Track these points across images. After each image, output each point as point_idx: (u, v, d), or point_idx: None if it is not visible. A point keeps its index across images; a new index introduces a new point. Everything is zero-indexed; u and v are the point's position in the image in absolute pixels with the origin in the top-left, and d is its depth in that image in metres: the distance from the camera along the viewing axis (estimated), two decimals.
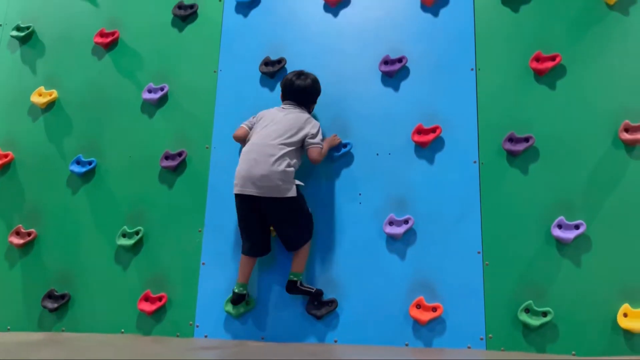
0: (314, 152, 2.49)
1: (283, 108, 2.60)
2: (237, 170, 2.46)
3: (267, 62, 2.83)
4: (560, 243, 2.38)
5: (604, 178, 2.42)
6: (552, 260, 2.38)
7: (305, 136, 2.49)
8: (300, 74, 2.62)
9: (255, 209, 2.44)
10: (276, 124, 2.50)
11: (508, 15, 2.71)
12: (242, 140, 2.61)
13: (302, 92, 2.60)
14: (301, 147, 2.51)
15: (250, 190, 2.39)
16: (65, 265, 2.76)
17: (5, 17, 3.21)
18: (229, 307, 2.52)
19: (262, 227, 2.50)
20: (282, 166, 2.39)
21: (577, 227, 2.35)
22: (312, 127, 2.52)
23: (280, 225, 2.49)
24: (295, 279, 2.46)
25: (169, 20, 3.02)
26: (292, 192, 2.42)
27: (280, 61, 2.84)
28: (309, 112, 2.65)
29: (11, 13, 3.22)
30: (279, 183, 2.38)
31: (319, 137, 2.53)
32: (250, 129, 2.60)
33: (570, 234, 2.33)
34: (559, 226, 2.37)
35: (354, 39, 2.81)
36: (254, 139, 2.50)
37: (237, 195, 2.46)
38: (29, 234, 2.80)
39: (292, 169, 2.44)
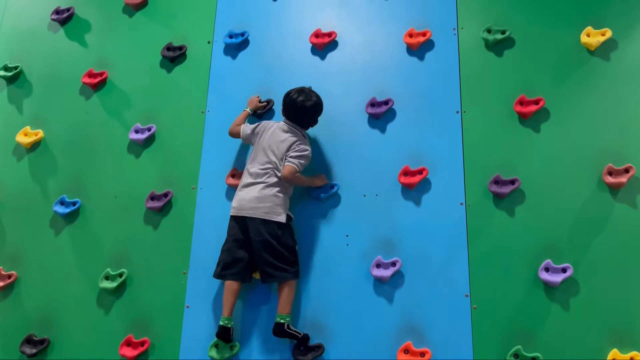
0: (286, 169, 2.50)
1: (282, 131, 2.59)
2: (236, 193, 2.56)
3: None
4: (548, 286, 2.36)
5: (590, 221, 2.43)
6: (541, 303, 2.36)
7: (287, 156, 2.53)
8: (301, 91, 2.61)
9: (246, 232, 2.48)
10: (272, 149, 2.54)
11: (492, 59, 2.76)
12: (235, 136, 2.70)
13: (304, 113, 2.60)
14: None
15: (244, 212, 2.47)
16: (46, 309, 2.69)
17: None
18: (213, 352, 2.46)
19: (249, 252, 2.50)
20: (274, 191, 2.46)
21: (564, 270, 2.34)
22: (296, 150, 2.53)
23: (261, 251, 2.45)
24: (282, 321, 2.41)
25: (157, 61, 3.04)
26: (281, 218, 2.44)
27: (268, 102, 2.86)
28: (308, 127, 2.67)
29: None
30: (268, 205, 2.44)
31: (299, 160, 2.52)
32: (248, 135, 2.64)
33: (557, 278, 2.32)
34: (546, 269, 2.36)
35: (340, 82, 2.84)
36: (250, 164, 2.56)
37: (231, 217, 2.52)
38: (9, 276, 2.74)
39: (283, 195, 2.49)
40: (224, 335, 2.42)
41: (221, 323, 2.42)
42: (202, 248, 2.66)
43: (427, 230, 2.54)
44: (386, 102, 2.74)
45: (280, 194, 2.49)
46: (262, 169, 2.51)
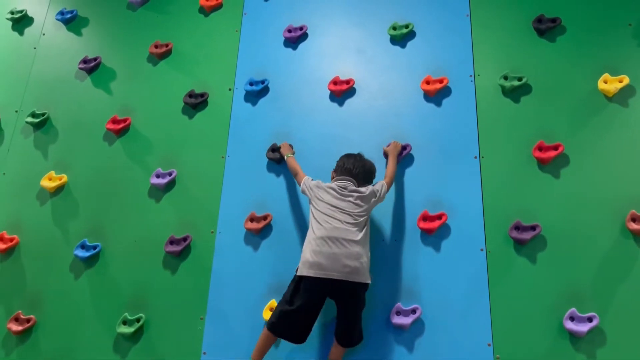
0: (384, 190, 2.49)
1: (343, 187, 2.44)
2: (312, 249, 2.30)
3: (274, 149, 2.88)
4: (573, 336, 2.30)
5: (615, 268, 2.38)
6: (567, 354, 2.28)
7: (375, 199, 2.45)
8: (351, 155, 2.57)
9: (323, 294, 2.31)
10: (343, 209, 2.37)
11: (509, 105, 2.78)
12: (294, 174, 2.64)
13: (360, 169, 2.53)
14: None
15: (336, 275, 2.24)
16: (63, 354, 2.67)
17: (21, 103, 3.33)
18: None
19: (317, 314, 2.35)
20: (364, 250, 2.33)
21: (590, 319, 2.28)
22: (376, 190, 2.46)
23: (349, 313, 2.33)
24: None
25: (179, 107, 3.12)
26: (369, 279, 2.33)
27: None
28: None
29: (28, 99, 3.34)
30: (362, 266, 2.29)
31: (383, 188, 2.48)
32: (307, 190, 2.49)
33: (583, 327, 2.26)
34: (571, 318, 2.30)
35: (358, 127, 2.87)
36: (325, 228, 2.32)
37: (307, 278, 2.28)
38: (28, 321, 2.75)
39: (367, 255, 2.36)
40: None
41: None
42: (220, 293, 2.65)
43: (447, 277, 2.51)
44: (404, 148, 2.76)
45: (366, 253, 2.34)
46: (347, 227, 2.32)
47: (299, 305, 2.27)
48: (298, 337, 2.30)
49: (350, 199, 2.40)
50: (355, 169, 2.51)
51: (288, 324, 2.29)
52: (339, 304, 2.34)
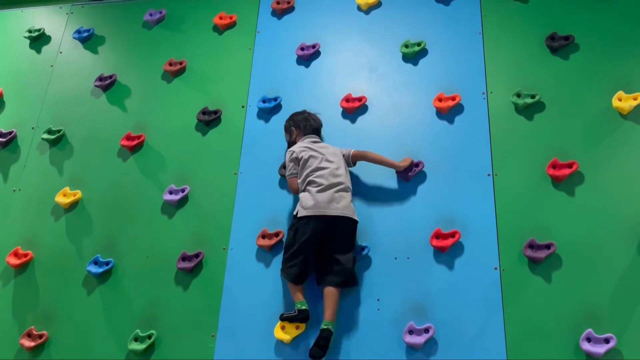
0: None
1: (318, 144, 2.78)
2: (311, 198, 2.57)
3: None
4: (590, 358, 2.25)
5: (632, 288, 2.34)
6: None
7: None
8: (305, 114, 2.90)
9: (321, 232, 2.54)
10: (328, 159, 2.69)
11: (523, 123, 2.77)
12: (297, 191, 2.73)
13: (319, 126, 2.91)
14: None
15: (330, 212, 2.52)
16: None
17: (38, 120, 3.37)
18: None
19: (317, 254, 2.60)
20: (348, 194, 2.64)
21: (607, 340, 2.24)
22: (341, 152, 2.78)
23: (340, 250, 2.54)
24: (331, 327, 2.43)
25: (193, 124, 3.14)
26: (356, 217, 2.61)
27: None
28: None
29: (44, 116, 3.38)
30: (349, 205, 2.60)
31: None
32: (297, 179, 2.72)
33: (600, 349, 2.22)
34: (588, 339, 2.26)
35: (370, 145, 2.85)
36: (320, 180, 2.60)
37: (308, 218, 2.53)
38: (40, 336, 2.75)
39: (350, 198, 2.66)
40: (307, 319, 2.50)
41: (303, 307, 2.49)
42: (232, 310, 2.64)
43: (460, 295, 2.48)
44: (417, 165, 2.75)
45: (350, 197, 2.63)
46: (334, 176, 2.61)
47: (300, 240, 2.53)
48: (304, 277, 2.57)
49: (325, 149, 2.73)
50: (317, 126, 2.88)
51: (302, 271, 2.54)
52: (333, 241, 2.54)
